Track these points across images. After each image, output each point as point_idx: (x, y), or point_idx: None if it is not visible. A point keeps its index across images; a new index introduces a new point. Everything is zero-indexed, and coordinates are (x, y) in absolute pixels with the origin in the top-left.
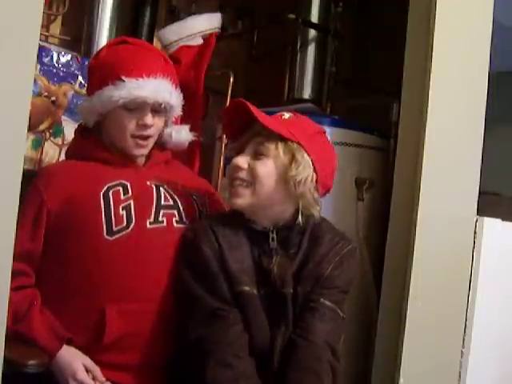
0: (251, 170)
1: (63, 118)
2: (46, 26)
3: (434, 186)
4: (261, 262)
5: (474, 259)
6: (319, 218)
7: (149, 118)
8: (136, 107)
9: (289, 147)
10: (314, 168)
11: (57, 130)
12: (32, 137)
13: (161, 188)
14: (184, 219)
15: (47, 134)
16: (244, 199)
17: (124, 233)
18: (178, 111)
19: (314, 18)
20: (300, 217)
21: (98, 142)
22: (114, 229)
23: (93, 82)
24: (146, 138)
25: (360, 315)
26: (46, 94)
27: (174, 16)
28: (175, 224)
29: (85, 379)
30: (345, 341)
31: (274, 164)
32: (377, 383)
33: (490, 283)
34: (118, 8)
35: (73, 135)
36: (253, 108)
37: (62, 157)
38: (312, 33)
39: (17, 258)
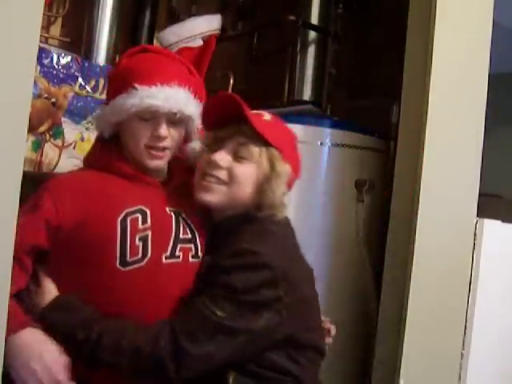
0: (231, 172)
1: (63, 119)
2: (46, 27)
3: (434, 187)
4: None
5: (474, 261)
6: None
7: (163, 129)
8: (150, 117)
9: (270, 154)
10: (289, 176)
11: (57, 131)
12: (32, 138)
13: (180, 217)
14: (199, 253)
15: (47, 135)
16: (216, 196)
17: (138, 265)
18: (197, 123)
19: (314, 19)
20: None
21: (117, 153)
22: (128, 260)
23: (109, 91)
24: (162, 149)
25: (360, 316)
26: (46, 95)
27: (174, 17)
28: (191, 259)
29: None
30: (345, 342)
31: (256, 170)
32: None
33: (490, 285)
34: (118, 10)
35: (92, 141)
36: (246, 108)
37: (62, 158)
38: (312, 34)
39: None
